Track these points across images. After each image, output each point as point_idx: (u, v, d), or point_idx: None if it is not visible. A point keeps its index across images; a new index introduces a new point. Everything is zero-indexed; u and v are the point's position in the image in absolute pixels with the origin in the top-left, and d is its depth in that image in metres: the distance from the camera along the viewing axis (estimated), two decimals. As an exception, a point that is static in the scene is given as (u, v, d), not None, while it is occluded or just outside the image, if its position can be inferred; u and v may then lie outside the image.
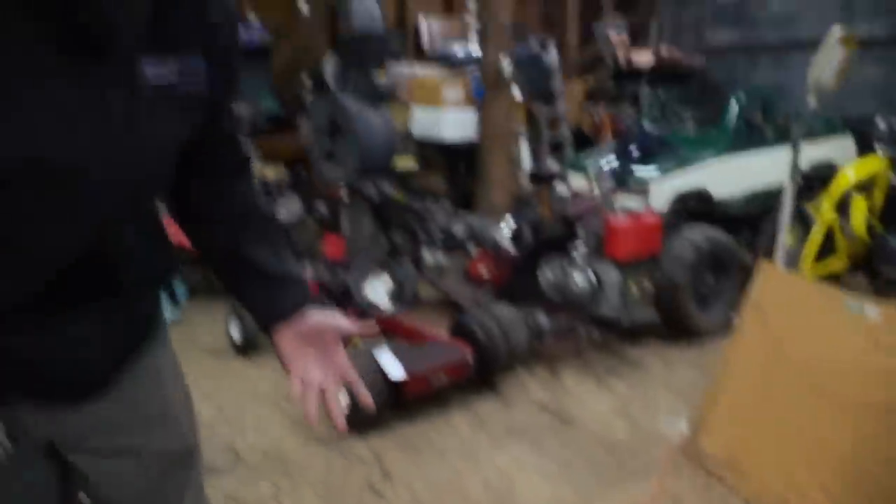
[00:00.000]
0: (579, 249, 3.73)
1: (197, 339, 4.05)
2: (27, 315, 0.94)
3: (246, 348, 3.74)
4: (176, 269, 1.19)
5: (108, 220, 0.97)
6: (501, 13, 4.98)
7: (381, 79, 4.69)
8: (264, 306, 1.15)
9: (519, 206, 5.55)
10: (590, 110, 8.96)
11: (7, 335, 0.94)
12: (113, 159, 0.89)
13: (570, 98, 9.54)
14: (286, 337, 1.14)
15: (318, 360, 1.14)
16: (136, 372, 1.11)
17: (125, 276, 1.03)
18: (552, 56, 9.27)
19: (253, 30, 7.35)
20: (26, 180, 0.84)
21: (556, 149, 8.72)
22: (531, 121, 7.91)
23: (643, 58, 9.29)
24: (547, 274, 3.76)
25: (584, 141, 8.09)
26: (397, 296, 3.54)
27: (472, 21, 5.18)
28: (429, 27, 8.80)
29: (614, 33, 9.64)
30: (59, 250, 0.93)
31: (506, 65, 4.93)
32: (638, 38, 10.70)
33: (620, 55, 9.41)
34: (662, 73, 9.06)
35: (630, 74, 9.24)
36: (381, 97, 4.54)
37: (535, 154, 8.18)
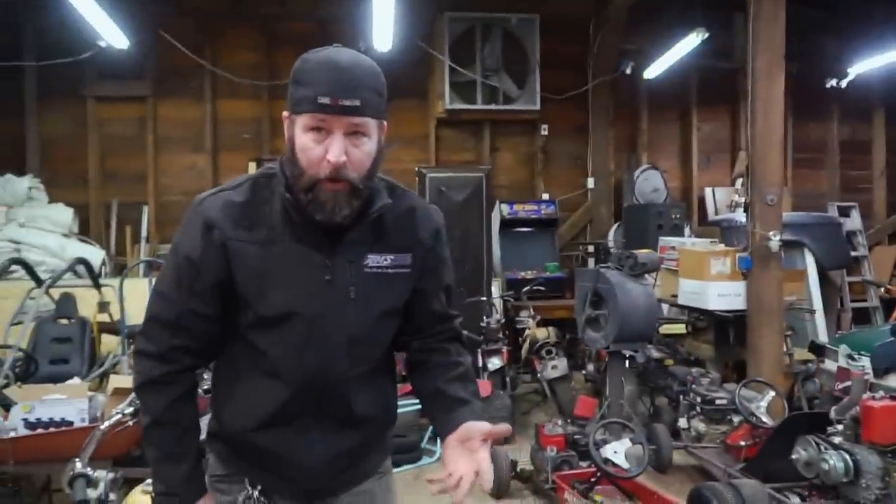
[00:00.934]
0: (836, 429, 3.60)
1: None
2: (284, 423, 1.52)
3: (499, 491, 4.16)
4: (393, 418, 1.70)
5: (337, 359, 1.50)
6: (769, 188, 5.11)
7: (645, 252, 5.05)
8: (443, 422, 1.58)
9: (799, 378, 5.36)
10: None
11: (267, 437, 1.52)
12: (337, 315, 1.49)
13: (879, 265, 8.88)
14: (450, 443, 1.53)
15: (465, 458, 1.49)
16: (355, 493, 1.63)
17: (355, 407, 1.55)
18: (854, 222, 8.83)
19: (543, 204, 8.26)
20: (286, 324, 1.48)
21: (864, 317, 8.10)
22: (830, 288, 7.55)
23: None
24: (801, 451, 3.66)
25: (897, 308, 7.45)
26: (639, 458, 3.71)
27: (737, 198, 5.34)
28: (714, 196, 9.01)
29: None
30: (304, 374, 1.50)
31: (774, 240, 5.00)
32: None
33: (937, 220, 8.61)
34: None
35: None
36: (643, 270, 4.89)
37: (837, 322, 7.71)
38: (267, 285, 1.47)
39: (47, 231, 6.87)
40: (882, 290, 6.93)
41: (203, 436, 1.66)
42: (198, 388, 1.63)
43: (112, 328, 5.37)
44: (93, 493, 2.14)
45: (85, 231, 7.68)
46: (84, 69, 7.63)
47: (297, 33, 8.21)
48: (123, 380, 3.73)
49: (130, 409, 2.39)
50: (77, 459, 2.14)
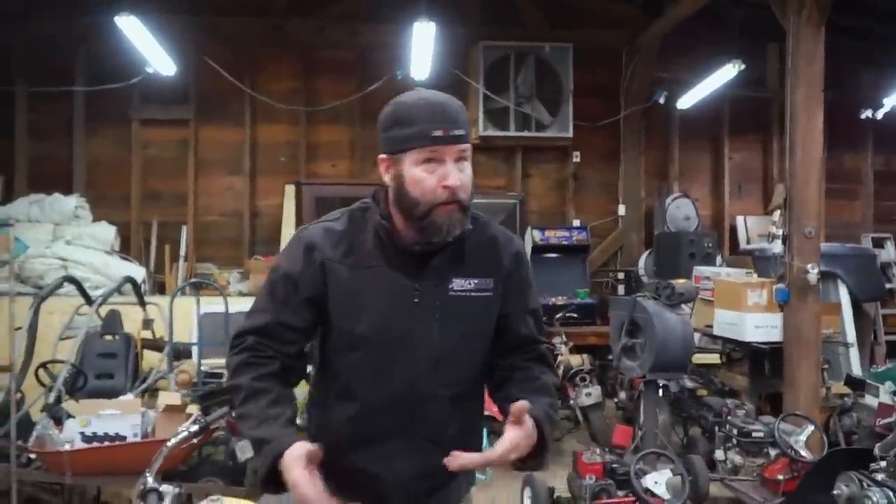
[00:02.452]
0: (880, 465, 3.58)
1: (496, 502, 4.60)
2: (375, 442, 1.59)
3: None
4: (481, 443, 1.76)
5: (424, 377, 1.57)
6: (807, 221, 5.13)
7: (682, 282, 5.08)
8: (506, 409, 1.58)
9: (835, 412, 5.33)
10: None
11: (359, 456, 1.60)
12: (424, 335, 1.58)
13: (915, 297, 8.79)
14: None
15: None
16: None
17: (444, 429, 1.61)
18: (889, 253, 8.77)
19: (575, 230, 8.31)
20: (375, 342, 1.56)
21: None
22: (863, 321, 7.49)
23: None
24: (843, 487, 3.65)
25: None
26: (679, 489, 3.72)
27: (774, 230, 5.36)
28: (745, 225, 9.01)
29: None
30: (393, 392, 1.57)
31: (813, 272, 5.01)
32: None
33: (974, 253, 8.53)
34: None
35: None
36: (680, 300, 4.91)
37: (871, 356, 7.64)
38: (359, 305, 1.57)
39: (92, 248, 7.05)
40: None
41: None
42: (290, 378, 1.63)
43: (155, 345, 5.50)
44: (159, 508, 2.23)
45: (125, 249, 7.87)
46: (131, 93, 7.87)
47: (335, 61, 8.41)
48: (173, 397, 3.83)
49: (195, 428, 2.48)
50: (147, 474, 2.22)
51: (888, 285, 8.23)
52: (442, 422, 1.62)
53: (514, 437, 1.47)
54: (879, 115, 8.82)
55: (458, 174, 1.51)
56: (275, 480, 1.44)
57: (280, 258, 1.66)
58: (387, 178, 1.58)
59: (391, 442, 1.61)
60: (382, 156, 1.57)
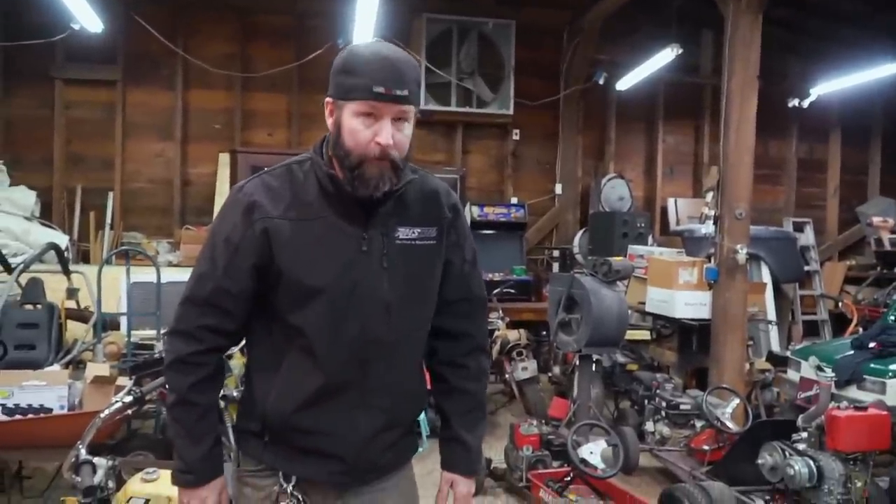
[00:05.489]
0: (801, 436, 3.76)
1: (433, 474, 4.61)
2: (329, 398, 1.57)
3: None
4: (424, 404, 1.78)
5: (377, 325, 1.57)
6: (738, 203, 5.30)
7: (619, 260, 5.18)
8: (445, 454, 1.81)
9: (757, 386, 5.56)
10: (850, 293, 8.60)
11: (313, 415, 1.57)
12: (374, 282, 1.57)
13: (829, 280, 9.24)
14: (445, 478, 1.78)
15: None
16: (393, 480, 1.71)
17: (397, 377, 1.62)
18: (808, 237, 9.18)
19: (513, 208, 8.37)
20: (328, 294, 1.54)
21: (813, 329, 8.42)
22: (782, 301, 7.84)
23: (913, 241, 8.78)
24: (767, 457, 3.81)
25: (847, 323, 7.77)
26: (613, 460, 3.82)
27: (706, 211, 5.53)
28: (676, 207, 9.26)
29: (878, 216, 9.27)
30: (348, 343, 1.55)
31: (742, 252, 5.18)
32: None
33: (885, 238, 8.99)
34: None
35: (897, 258, 8.76)
36: (617, 277, 5.00)
37: (788, 334, 8.00)
38: (308, 257, 1.54)
39: (10, 214, 6.69)
40: (839, 304, 7.20)
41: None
42: (224, 372, 1.66)
43: (79, 315, 5.28)
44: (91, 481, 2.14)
45: (46, 215, 7.50)
46: (54, 51, 7.46)
47: (273, 26, 8.17)
48: (101, 368, 3.68)
49: (130, 399, 2.40)
50: (80, 445, 2.13)
51: (806, 267, 8.60)
52: (393, 372, 1.62)
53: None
54: (805, 104, 9.17)
55: (389, 133, 1.50)
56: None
57: (218, 221, 1.60)
58: (329, 122, 1.57)
59: (346, 396, 1.59)
60: (328, 99, 1.56)
